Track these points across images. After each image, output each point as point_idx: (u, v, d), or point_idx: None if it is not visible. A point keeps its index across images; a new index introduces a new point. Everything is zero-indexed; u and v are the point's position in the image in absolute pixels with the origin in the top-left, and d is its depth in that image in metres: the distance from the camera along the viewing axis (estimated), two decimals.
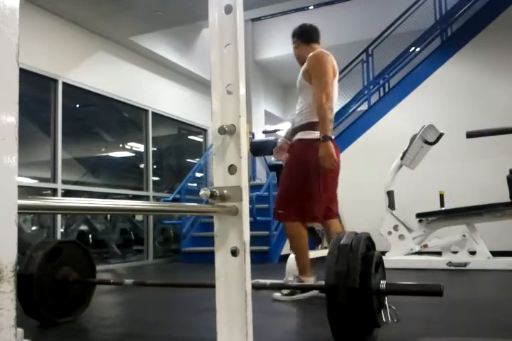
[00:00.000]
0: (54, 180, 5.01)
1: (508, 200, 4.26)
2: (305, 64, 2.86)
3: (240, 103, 1.00)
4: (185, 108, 7.32)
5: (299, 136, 2.90)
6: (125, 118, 6.80)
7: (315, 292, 2.79)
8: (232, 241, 0.98)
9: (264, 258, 5.61)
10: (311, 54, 2.86)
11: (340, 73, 7.17)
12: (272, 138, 3.67)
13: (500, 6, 6.05)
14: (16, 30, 0.52)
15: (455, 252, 4.61)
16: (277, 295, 2.79)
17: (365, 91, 7.06)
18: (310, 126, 2.85)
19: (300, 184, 2.87)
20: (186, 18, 5.67)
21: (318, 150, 2.72)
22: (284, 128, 5.29)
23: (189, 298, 2.97)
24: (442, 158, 5.74)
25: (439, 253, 4.72)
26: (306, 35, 3.03)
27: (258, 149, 3.80)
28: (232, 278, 0.97)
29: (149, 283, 2.37)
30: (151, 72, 6.66)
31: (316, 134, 2.78)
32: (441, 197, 4.99)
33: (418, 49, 6.76)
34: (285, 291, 2.78)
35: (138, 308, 2.89)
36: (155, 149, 6.82)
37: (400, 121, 6.28)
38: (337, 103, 3.06)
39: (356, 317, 1.58)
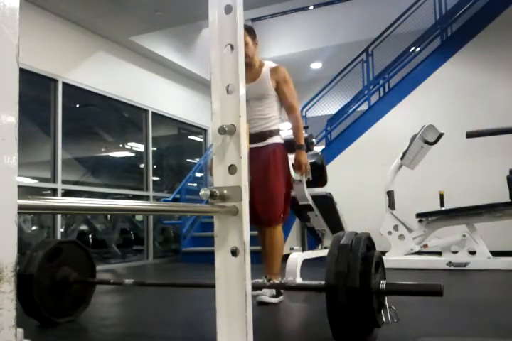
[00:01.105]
0: (54, 180, 5.01)
1: (508, 200, 4.26)
2: (271, 73, 2.96)
3: (240, 103, 1.00)
4: (185, 108, 7.32)
5: (278, 140, 3.00)
6: (125, 118, 6.80)
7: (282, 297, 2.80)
8: (232, 241, 0.98)
9: None
10: (276, 66, 3.02)
11: (340, 73, 7.24)
12: None
13: (500, 6, 6.05)
14: (16, 30, 0.52)
15: (455, 252, 4.61)
16: (265, 297, 2.68)
17: (365, 91, 7.06)
18: (278, 132, 3.04)
19: (284, 186, 2.96)
20: (186, 18, 5.67)
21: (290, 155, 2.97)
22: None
23: (189, 298, 2.97)
24: (442, 158, 5.74)
25: (439, 253, 4.72)
26: (254, 34, 3.02)
27: None
28: (232, 278, 0.97)
29: (149, 283, 2.37)
30: (151, 72, 6.66)
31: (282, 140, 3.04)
32: (441, 197, 4.99)
33: (418, 49, 6.76)
34: (271, 293, 2.71)
35: (138, 308, 2.89)
36: (155, 149, 6.82)
37: (400, 121, 6.28)
38: None
39: (356, 317, 1.58)
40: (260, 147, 2.89)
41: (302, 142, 2.95)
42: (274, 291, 2.75)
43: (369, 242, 1.79)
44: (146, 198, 6.34)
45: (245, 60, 2.88)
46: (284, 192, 2.95)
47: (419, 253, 4.82)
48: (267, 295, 2.69)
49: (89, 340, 2.13)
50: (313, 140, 3.62)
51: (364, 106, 6.98)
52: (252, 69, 2.95)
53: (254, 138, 2.92)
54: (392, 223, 4.83)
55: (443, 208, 4.88)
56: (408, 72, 6.58)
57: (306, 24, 8.47)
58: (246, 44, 2.85)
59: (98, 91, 5.71)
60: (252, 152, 2.91)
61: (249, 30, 2.93)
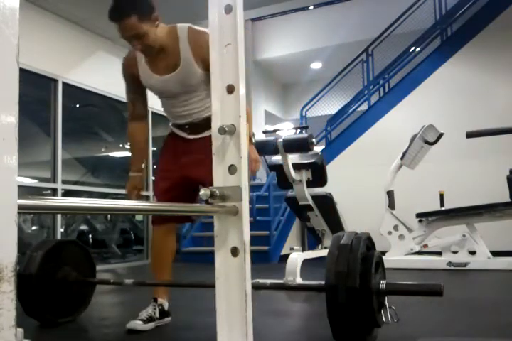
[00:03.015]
0: (54, 180, 5.01)
1: (508, 200, 4.26)
2: (193, 51, 2.03)
3: (239, 103, 1.00)
4: None
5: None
6: (125, 118, 6.79)
7: (168, 320, 2.28)
8: (232, 241, 0.98)
9: (264, 258, 5.61)
10: (194, 32, 2.08)
11: (340, 73, 7.25)
12: (272, 138, 3.67)
13: (500, 6, 6.05)
14: (16, 30, 0.52)
15: (455, 252, 4.61)
16: (136, 323, 2.12)
17: (365, 91, 7.06)
18: None
19: None
20: (186, 18, 5.65)
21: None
22: (283, 128, 5.27)
23: (189, 298, 2.97)
24: (442, 158, 5.75)
25: (439, 253, 4.72)
26: (150, 7, 2.09)
27: (258, 149, 3.79)
28: (232, 278, 0.97)
29: (149, 283, 2.37)
30: None
31: None
32: (441, 197, 4.99)
33: (418, 49, 6.76)
34: (144, 317, 2.16)
35: (138, 308, 2.89)
36: (155, 149, 6.82)
37: (400, 121, 6.28)
38: None
39: (356, 317, 1.58)
40: (198, 138, 2.21)
41: (250, 133, 2.21)
42: (152, 314, 2.18)
43: (369, 242, 1.79)
44: (146, 198, 6.34)
45: (152, 49, 2.04)
46: None
47: (419, 253, 4.82)
48: (140, 320, 2.13)
49: (89, 340, 2.13)
50: (313, 140, 3.62)
51: (364, 106, 6.99)
52: (165, 54, 2.07)
53: (194, 128, 2.24)
54: (392, 223, 4.83)
55: (443, 208, 4.88)
56: (408, 72, 6.59)
57: (306, 24, 8.47)
58: (144, 35, 2.00)
59: (98, 92, 5.70)
60: (192, 143, 2.20)
61: (141, 9, 2.03)
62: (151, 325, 2.15)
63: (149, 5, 2.05)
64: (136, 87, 2.25)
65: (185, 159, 2.24)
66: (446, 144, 5.11)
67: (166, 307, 2.28)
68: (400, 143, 4.93)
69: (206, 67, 1.97)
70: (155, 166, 6.82)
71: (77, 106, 6.03)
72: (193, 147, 2.22)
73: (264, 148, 3.65)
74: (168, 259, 2.31)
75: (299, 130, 5.00)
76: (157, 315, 2.20)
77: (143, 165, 2.43)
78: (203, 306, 2.63)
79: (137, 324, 2.11)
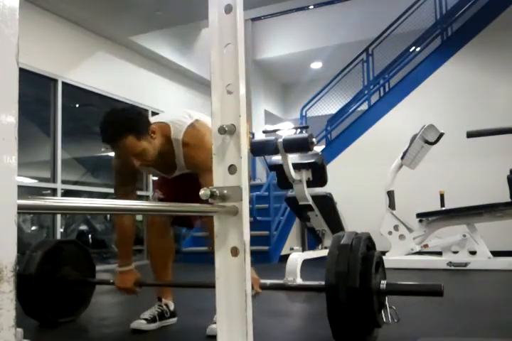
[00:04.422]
0: (54, 180, 5.01)
1: (508, 200, 4.26)
2: (190, 161, 2.01)
3: (239, 103, 1.00)
4: (184, 107, 7.31)
5: None
6: None
7: (173, 320, 2.29)
8: (232, 241, 0.98)
9: (264, 258, 5.61)
10: (187, 143, 1.98)
11: (340, 73, 7.25)
12: (272, 138, 3.67)
13: (500, 6, 6.05)
14: (16, 30, 0.52)
15: (455, 252, 4.61)
16: (141, 323, 2.13)
17: (365, 91, 7.06)
18: None
19: None
20: (186, 18, 5.67)
21: None
22: (283, 127, 5.25)
23: (189, 298, 2.97)
24: (443, 157, 5.75)
25: (439, 253, 4.72)
26: (146, 124, 1.94)
27: (258, 149, 3.79)
28: (232, 278, 0.97)
29: (149, 283, 2.37)
30: (151, 72, 6.66)
31: None
32: (442, 197, 4.99)
33: (418, 49, 6.76)
34: (148, 317, 2.17)
35: (138, 308, 2.88)
36: None
37: (400, 121, 6.28)
38: None
39: (356, 317, 1.58)
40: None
41: None
42: (156, 313, 2.20)
43: (369, 242, 1.79)
44: (146, 198, 6.34)
45: (151, 162, 2.00)
46: None
47: (419, 253, 4.82)
48: (144, 319, 2.15)
49: (89, 340, 2.13)
50: (313, 140, 3.61)
51: (364, 106, 6.99)
52: (162, 159, 2.05)
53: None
54: (393, 223, 4.83)
55: (443, 208, 4.88)
56: (408, 72, 6.58)
57: (306, 24, 8.48)
58: (143, 152, 1.92)
59: (98, 91, 5.71)
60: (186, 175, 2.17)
61: (137, 128, 1.90)
62: (155, 325, 2.16)
63: (144, 120, 1.94)
64: (129, 177, 2.19)
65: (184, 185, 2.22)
66: (446, 144, 5.11)
67: (171, 307, 2.29)
68: (400, 143, 4.93)
69: (195, 170, 2.01)
70: None
71: (77, 106, 6.03)
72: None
73: (264, 148, 3.64)
74: (166, 259, 2.32)
75: (299, 130, 4.99)
76: (165, 314, 2.23)
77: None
78: (203, 306, 2.63)
79: (141, 323, 2.12)
